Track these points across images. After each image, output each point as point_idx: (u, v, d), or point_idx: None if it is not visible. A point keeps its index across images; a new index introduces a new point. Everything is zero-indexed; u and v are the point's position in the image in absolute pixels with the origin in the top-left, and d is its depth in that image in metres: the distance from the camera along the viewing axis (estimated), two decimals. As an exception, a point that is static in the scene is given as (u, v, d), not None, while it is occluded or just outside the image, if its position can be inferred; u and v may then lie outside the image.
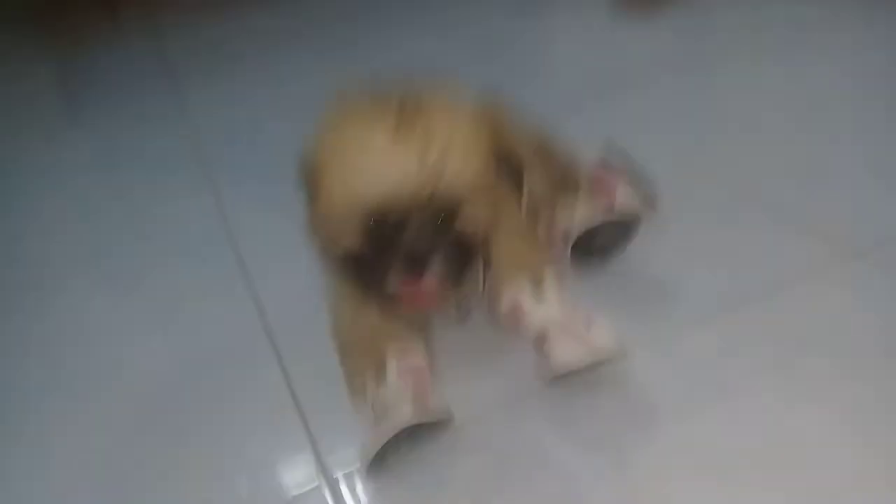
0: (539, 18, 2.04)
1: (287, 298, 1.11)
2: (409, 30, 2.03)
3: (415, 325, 0.92)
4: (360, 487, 0.84)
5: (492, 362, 0.95)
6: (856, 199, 1.16)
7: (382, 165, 0.78)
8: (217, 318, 1.10)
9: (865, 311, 0.97)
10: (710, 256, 1.08)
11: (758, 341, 0.94)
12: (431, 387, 0.86)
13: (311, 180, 0.84)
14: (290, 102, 1.70)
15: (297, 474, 0.87)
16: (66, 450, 0.93)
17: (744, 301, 1.00)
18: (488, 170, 0.82)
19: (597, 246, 1.06)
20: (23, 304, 1.20)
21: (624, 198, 1.03)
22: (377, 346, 0.87)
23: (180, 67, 2.04)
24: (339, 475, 0.86)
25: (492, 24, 1.99)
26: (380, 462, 0.81)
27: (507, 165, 0.87)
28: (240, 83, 1.90)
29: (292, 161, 1.10)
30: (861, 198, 1.16)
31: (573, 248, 1.04)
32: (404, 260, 0.79)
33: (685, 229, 1.12)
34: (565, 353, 0.85)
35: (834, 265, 1.04)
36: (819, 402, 0.86)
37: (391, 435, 0.79)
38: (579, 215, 1.03)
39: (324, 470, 0.87)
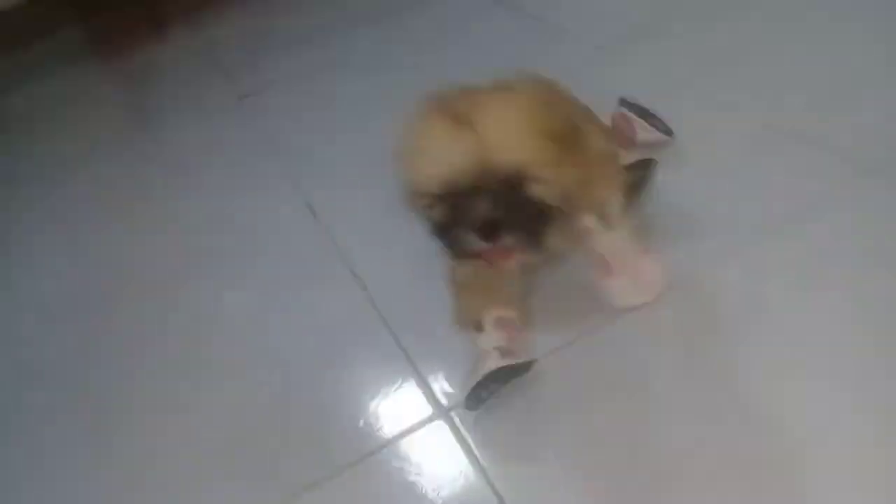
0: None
1: (384, 271, 1.29)
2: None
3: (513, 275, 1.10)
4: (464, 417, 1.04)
5: (571, 300, 1.13)
6: (876, 116, 1.29)
7: (443, 148, 0.94)
8: (325, 298, 1.30)
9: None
10: (735, 188, 1.23)
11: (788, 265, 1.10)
12: (518, 334, 1.06)
13: (398, 165, 1.00)
14: (351, 92, 1.90)
15: (413, 409, 1.08)
16: (217, 420, 1.14)
17: (773, 229, 1.15)
18: (547, 146, 0.96)
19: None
20: (153, 299, 1.40)
21: (643, 133, 1.23)
22: (481, 295, 1.07)
23: (236, 67, 2.20)
24: (451, 410, 1.06)
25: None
26: (476, 399, 1.01)
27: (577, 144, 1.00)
28: (293, 74, 2.05)
29: (365, 144, 1.30)
30: (881, 114, 1.29)
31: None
32: (477, 227, 0.95)
33: (710, 162, 1.27)
34: (620, 297, 1.04)
35: (856, 184, 1.18)
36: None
37: (479, 379, 0.99)
38: None
39: (436, 404, 1.08)
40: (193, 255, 1.49)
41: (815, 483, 0.85)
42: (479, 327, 1.05)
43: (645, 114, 1.28)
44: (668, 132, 1.25)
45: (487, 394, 1.01)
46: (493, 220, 0.95)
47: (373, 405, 1.10)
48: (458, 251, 1.01)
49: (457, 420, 1.04)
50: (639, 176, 1.22)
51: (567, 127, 1.00)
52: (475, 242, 0.97)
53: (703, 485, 0.88)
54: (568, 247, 1.09)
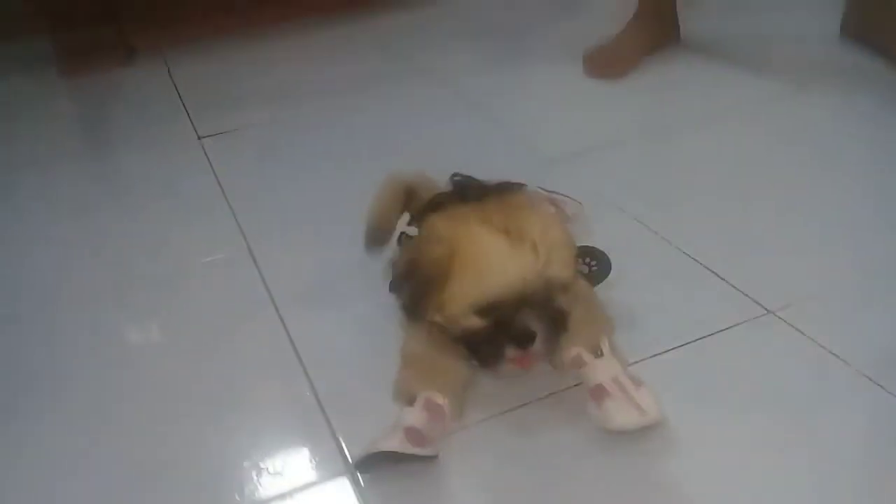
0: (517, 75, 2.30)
1: (317, 329, 1.33)
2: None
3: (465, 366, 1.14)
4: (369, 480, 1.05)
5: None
6: (775, 261, 1.43)
7: (505, 264, 1.03)
8: (248, 342, 1.33)
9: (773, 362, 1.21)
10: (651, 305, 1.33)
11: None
12: (440, 423, 1.07)
13: (426, 276, 1.07)
14: (306, 151, 1.98)
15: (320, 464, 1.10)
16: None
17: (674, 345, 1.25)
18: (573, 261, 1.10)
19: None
20: (71, 320, 1.41)
21: (569, 208, 1.37)
22: (425, 374, 1.10)
23: (199, 107, 2.25)
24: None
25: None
26: (365, 468, 1.03)
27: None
28: (254, 125, 2.13)
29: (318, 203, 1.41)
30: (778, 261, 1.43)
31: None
32: (518, 337, 1.03)
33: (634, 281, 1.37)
34: (619, 415, 1.04)
35: (751, 318, 1.29)
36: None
37: (372, 452, 1.01)
38: None
39: (344, 461, 1.09)
40: (121, 280, 1.52)
41: None
42: (410, 401, 1.08)
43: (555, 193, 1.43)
44: (580, 203, 1.41)
45: (379, 469, 1.03)
46: (533, 333, 1.03)
47: (278, 454, 1.12)
48: (485, 358, 1.08)
49: (361, 480, 1.06)
50: (595, 267, 1.32)
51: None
52: (510, 353, 1.04)
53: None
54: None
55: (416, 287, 1.09)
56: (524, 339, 1.03)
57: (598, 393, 1.09)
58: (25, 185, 1.89)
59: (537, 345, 1.04)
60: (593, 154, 1.83)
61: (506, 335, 1.04)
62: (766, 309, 1.31)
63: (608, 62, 2.25)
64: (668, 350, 1.23)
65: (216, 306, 1.42)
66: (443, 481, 1.05)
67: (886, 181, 1.67)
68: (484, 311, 1.04)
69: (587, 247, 1.33)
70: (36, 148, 2.09)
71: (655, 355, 1.22)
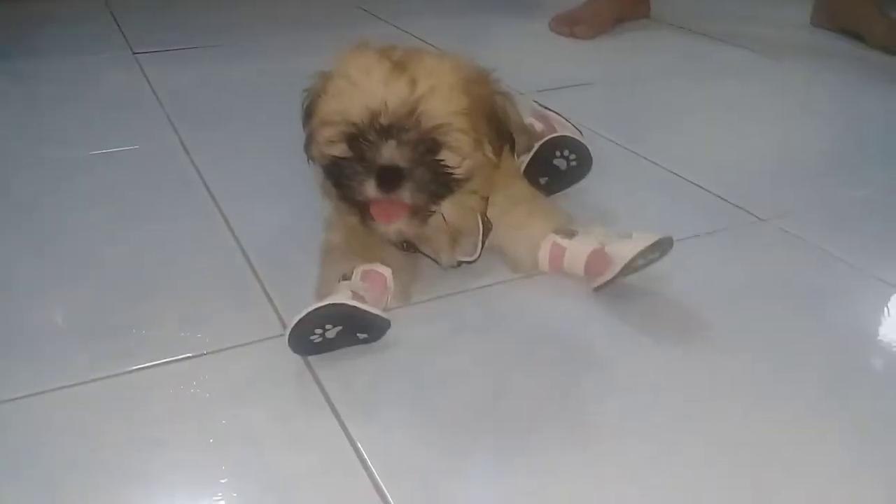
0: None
1: (249, 207, 1.19)
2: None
3: (405, 256, 1.00)
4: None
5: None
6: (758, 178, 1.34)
7: (374, 85, 0.88)
8: (182, 224, 1.16)
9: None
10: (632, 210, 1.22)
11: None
12: (385, 292, 0.92)
13: (313, 100, 0.95)
14: (242, 56, 1.89)
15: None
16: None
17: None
18: (475, 125, 0.91)
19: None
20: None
21: (561, 128, 1.20)
22: (357, 254, 0.95)
23: (130, 27, 2.12)
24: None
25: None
26: (300, 336, 0.83)
27: (498, 129, 0.96)
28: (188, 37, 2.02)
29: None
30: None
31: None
32: (379, 172, 0.87)
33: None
34: (623, 248, 0.95)
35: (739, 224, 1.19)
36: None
37: (318, 306, 0.82)
38: None
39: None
40: (44, 163, 1.35)
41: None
42: (345, 277, 0.91)
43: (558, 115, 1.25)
44: (579, 131, 1.23)
45: (320, 338, 0.84)
46: (397, 169, 0.87)
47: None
48: (349, 193, 0.91)
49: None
50: (574, 162, 1.18)
51: (494, 111, 0.95)
52: (371, 188, 0.88)
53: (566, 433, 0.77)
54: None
55: (303, 118, 0.97)
56: (384, 173, 0.87)
57: (594, 261, 0.97)
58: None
59: (405, 192, 0.88)
60: (563, 92, 1.72)
61: (367, 169, 0.88)
62: (756, 217, 1.19)
63: (575, 21, 2.18)
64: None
65: (147, 190, 1.26)
66: (396, 352, 0.89)
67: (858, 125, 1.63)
68: (350, 141, 0.90)
69: (566, 137, 1.19)
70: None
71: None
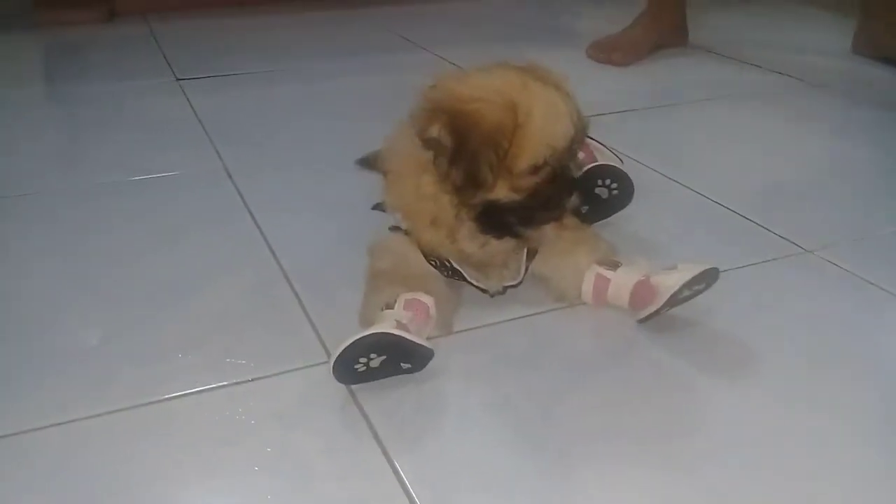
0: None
1: (296, 236, 1.19)
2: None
3: (449, 285, 1.00)
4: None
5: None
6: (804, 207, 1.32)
7: (567, 111, 0.93)
8: (225, 246, 1.17)
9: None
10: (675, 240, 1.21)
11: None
12: (428, 321, 0.92)
13: (491, 142, 0.89)
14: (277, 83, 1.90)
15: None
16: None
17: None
18: None
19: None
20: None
21: (600, 156, 1.21)
22: (403, 283, 0.94)
23: (174, 55, 2.16)
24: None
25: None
26: (346, 366, 0.83)
27: None
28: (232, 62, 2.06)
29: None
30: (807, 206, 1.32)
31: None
32: (571, 187, 0.96)
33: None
34: (669, 279, 0.94)
35: (785, 256, 1.17)
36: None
37: (358, 338, 0.81)
38: None
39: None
40: (93, 190, 1.37)
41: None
42: (388, 306, 0.91)
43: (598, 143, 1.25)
44: (619, 159, 1.22)
45: (364, 367, 0.84)
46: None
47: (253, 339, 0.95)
48: (538, 217, 0.96)
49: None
50: (616, 191, 1.19)
51: None
52: (573, 201, 0.97)
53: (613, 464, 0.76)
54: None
55: (476, 153, 0.89)
56: (572, 189, 0.97)
57: (639, 293, 0.97)
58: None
59: (575, 198, 0.98)
60: (602, 119, 1.71)
61: (563, 188, 0.95)
62: (801, 248, 1.17)
63: (612, 48, 2.18)
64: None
65: (189, 214, 1.27)
66: (440, 382, 0.88)
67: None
68: (543, 168, 0.93)
69: (608, 166, 1.19)
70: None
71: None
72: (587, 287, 1.01)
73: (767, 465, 0.77)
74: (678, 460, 0.77)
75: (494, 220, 0.95)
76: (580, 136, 0.95)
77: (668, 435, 0.81)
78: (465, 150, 0.89)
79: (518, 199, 0.93)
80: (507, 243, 0.97)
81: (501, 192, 0.92)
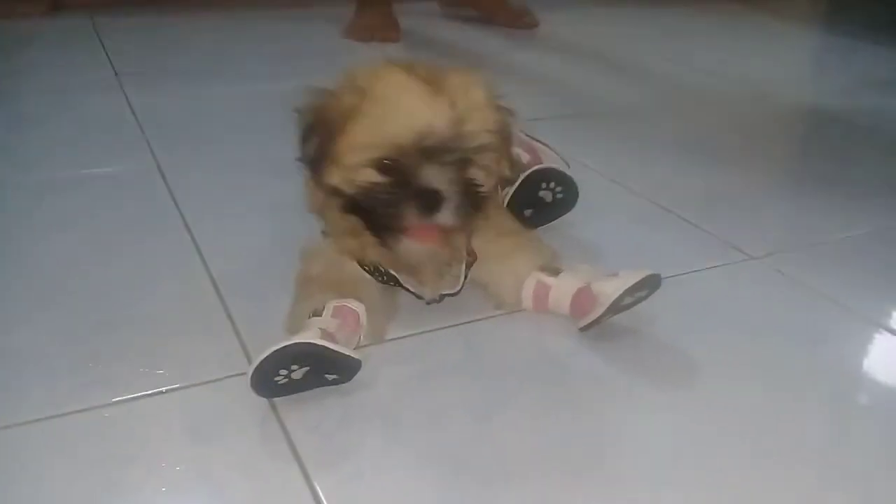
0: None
1: (225, 238, 1.14)
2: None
3: (385, 289, 0.95)
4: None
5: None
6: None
7: (420, 107, 0.85)
8: (153, 248, 1.12)
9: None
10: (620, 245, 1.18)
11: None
12: (356, 329, 0.87)
13: (329, 123, 0.87)
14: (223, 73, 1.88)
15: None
16: None
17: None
18: (498, 143, 0.90)
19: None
20: None
21: (546, 159, 1.17)
22: (335, 289, 0.89)
23: (115, 50, 2.10)
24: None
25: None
26: (263, 378, 0.78)
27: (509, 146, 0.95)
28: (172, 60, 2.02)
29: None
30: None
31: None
32: (422, 196, 0.84)
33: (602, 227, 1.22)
34: (609, 286, 0.90)
35: (731, 262, 1.15)
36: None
37: (283, 345, 0.77)
38: None
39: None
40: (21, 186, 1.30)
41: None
42: (316, 313, 0.86)
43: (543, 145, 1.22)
44: (566, 163, 1.19)
45: (286, 379, 0.79)
46: (438, 192, 0.84)
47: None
48: (383, 221, 0.87)
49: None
50: (560, 194, 1.15)
51: (508, 129, 0.93)
52: (411, 214, 0.84)
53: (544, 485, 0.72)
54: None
55: (320, 136, 0.88)
56: (428, 199, 0.84)
57: (580, 300, 0.94)
58: None
59: (445, 214, 0.84)
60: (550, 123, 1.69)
61: (407, 193, 0.84)
62: (746, 255, 1.15)
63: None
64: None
65: (119, 213, 1.21)
66: (367, 395, 0.83)
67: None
68: (384, 166, 0.86)
69: (553, 169, 1.16)
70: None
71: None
72: (527, 293, 0.98)
73: (705, 481, 0.74)
74: (613, 479, 0.74)
75: (357, 217, 0.89)
76: (448, 143, 0.84)
77: (604, 451, 0.78)
78: (306, 127, 0.89)
79: (352, 193, 0.88)
80: (422, 251, 0.89)
81: (334, 179, 0.88)
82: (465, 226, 0.90)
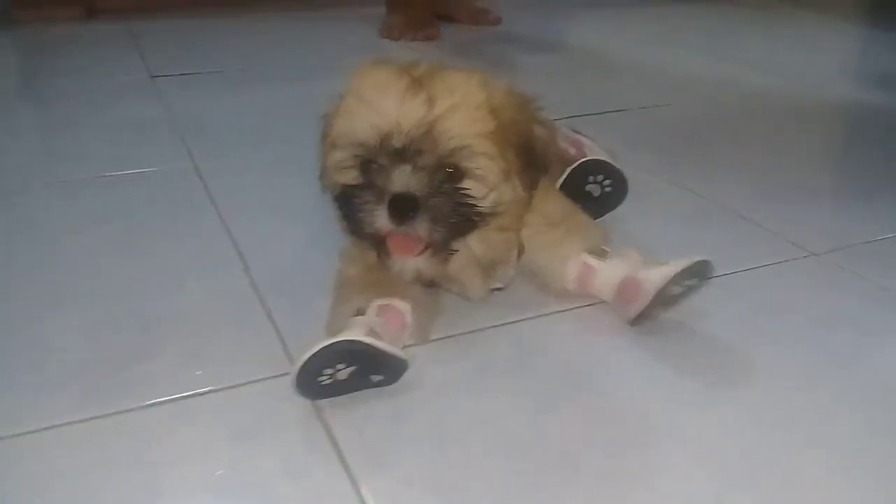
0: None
1: (266, 243, 1.10)
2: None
3: (427, 290, 0.91)
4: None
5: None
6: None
7: (387, 103, 0.79)
8: (192, 249, 1.09)
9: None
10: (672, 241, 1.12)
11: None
12: (403, 329, 0.84)
13: (327, 122, 0.86)
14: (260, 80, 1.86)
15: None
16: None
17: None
18: (503, 152, 0.82)
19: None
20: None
21: (590, 152, 1.12)
22: (376, 289, 0.85)
23: (150, 52, 2.09)
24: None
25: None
26: (309, 378, 0.74)
27: (532, 160, 0.86)
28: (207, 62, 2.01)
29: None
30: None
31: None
32: (391, 200, 0.78)
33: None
34: (656, 274, 0.87)
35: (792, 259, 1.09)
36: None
37: (330, 342, 0.73)
38: None
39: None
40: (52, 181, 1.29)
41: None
42: (360, 312, 0.82)
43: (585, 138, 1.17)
44: (613, 156, 1.14)
45: (330, 379, 0.75)
46: (411, 197, 0.78)
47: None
48: (360, 226, 0.81)
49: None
50: (609, 188, 1.11)
51: (530, 140, 0.86)
52: (382, 219, 0.79)
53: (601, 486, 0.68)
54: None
55: (320, 145, 0.88)
56: (397, 202, 0.78)
57: (625, 288, 0.90)
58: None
59: (420, 224, 0.78)
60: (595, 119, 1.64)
61: (380, 198, 0.79)
62: (807, 251, 1.10)
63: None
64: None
65: (156, 213, 1.19)
66: (414, 396, 0.79)
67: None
68: (363, 168, 0.81)
69: (600, 161, 1.11)
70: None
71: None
72: (571, 274, 0.94)
73: (760, 481, 0.69)
74: (669, 481, 0.69)
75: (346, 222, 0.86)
76: (419, 143, 0.78)
77: (659, 451, 0.73)
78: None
79: (335, 195, 0.85)
80: (407, 266, 0.84)
81: (324, 181, 0.87)
82: (449, 241, 0.82)
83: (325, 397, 0.77)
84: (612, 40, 2.43)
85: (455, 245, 0.84)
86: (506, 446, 0.73)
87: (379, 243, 0.83)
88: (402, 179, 0.78)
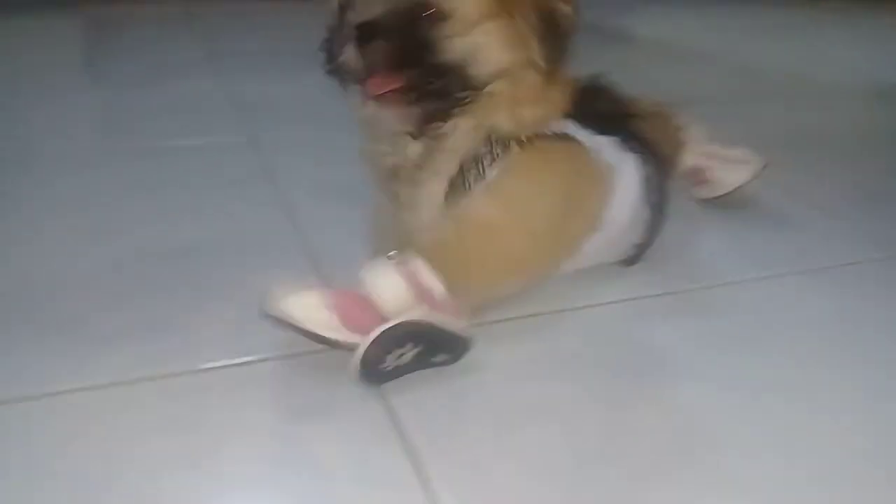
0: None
1: (316, 202, 1.10)
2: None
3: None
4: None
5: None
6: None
7: None
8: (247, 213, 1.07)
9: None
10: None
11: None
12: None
13: None
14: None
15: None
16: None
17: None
18: (516, 12, 0.76)
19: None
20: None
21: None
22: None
23: (209, 33, 2.10)
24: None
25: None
26: (375, 363, 0.70)
27: (550, 23, 0.78)
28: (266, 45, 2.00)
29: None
30: None
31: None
32: (356, 29, 0.74)
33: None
34: (729, 177, 1.11)
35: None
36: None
37: (391, 325, 0.69)
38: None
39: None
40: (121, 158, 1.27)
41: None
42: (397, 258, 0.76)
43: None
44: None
45: (393, 366, 0.71)
46: (370, 23, 0.74)
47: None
48: (340, 70, 0.79)
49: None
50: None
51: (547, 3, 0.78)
52: (350, 51, 0.75)
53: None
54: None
55: None
56: (359, 29, 0.74)
57: (696, 172, 1.12)
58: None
59: (386, 51, 0.74)
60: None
61: (348, 30, 0.75)
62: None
63: None
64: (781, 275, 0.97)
65: (211, 184, 1.17)
66: (478, 379, 0.75)
67: None
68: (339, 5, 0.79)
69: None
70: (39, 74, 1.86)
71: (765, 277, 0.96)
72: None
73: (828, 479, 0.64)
74: (738, 476, 0.65)
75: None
76: None
77: (742, 450, 0.68)
78: None
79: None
80: (382, 115, 0.80)
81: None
82: (427, 85, 0.76)
83: (387, 381, 0.72)
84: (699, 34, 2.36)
85: (446, 104, 0.78)
86: (579, 434, 0.69)
87: (360, 83, 0.79)
88: (367, 9, 0.74)
